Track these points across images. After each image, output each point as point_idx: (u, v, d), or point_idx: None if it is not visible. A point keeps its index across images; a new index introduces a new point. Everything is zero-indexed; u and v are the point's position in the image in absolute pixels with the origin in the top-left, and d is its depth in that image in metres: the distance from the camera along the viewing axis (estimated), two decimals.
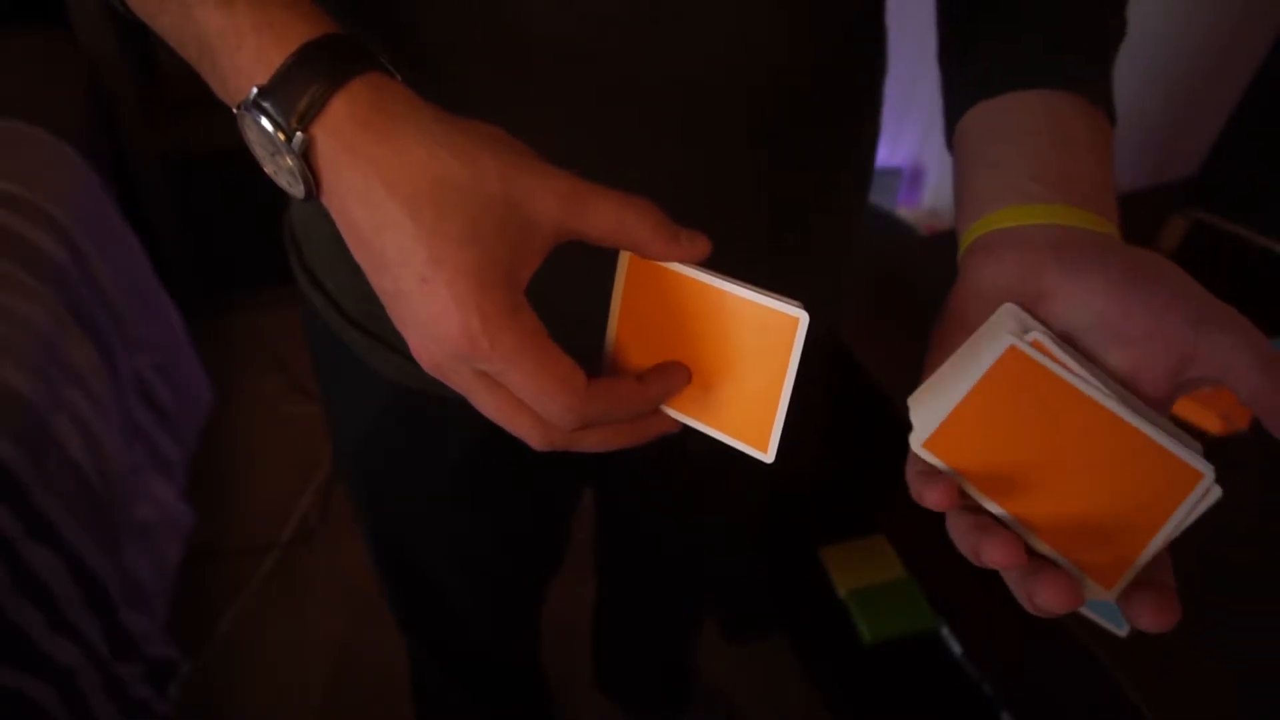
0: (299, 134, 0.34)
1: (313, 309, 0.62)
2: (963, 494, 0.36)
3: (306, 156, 0.35)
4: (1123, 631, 0.76)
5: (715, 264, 0.39)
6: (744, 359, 0.39)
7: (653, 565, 1.01)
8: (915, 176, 1.74)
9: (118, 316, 1.24)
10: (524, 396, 0.36)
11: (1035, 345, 0.36)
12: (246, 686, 1.35)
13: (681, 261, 0.38)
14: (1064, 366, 0.35)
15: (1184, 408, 0.92)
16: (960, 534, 0.36)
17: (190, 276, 1.81)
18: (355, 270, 0.57)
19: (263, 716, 1.32)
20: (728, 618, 1.42)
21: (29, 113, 1.30)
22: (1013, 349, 0.35)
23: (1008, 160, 0.42)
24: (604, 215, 0.35)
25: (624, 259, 0.39)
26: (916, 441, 0.37)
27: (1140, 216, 1.20)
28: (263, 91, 0.34)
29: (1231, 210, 1.12)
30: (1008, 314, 0.37)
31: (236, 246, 1.83)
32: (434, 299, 0.33)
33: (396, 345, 0.58)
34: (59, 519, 0.95)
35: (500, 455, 0.67)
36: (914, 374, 0.41)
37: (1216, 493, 0.34)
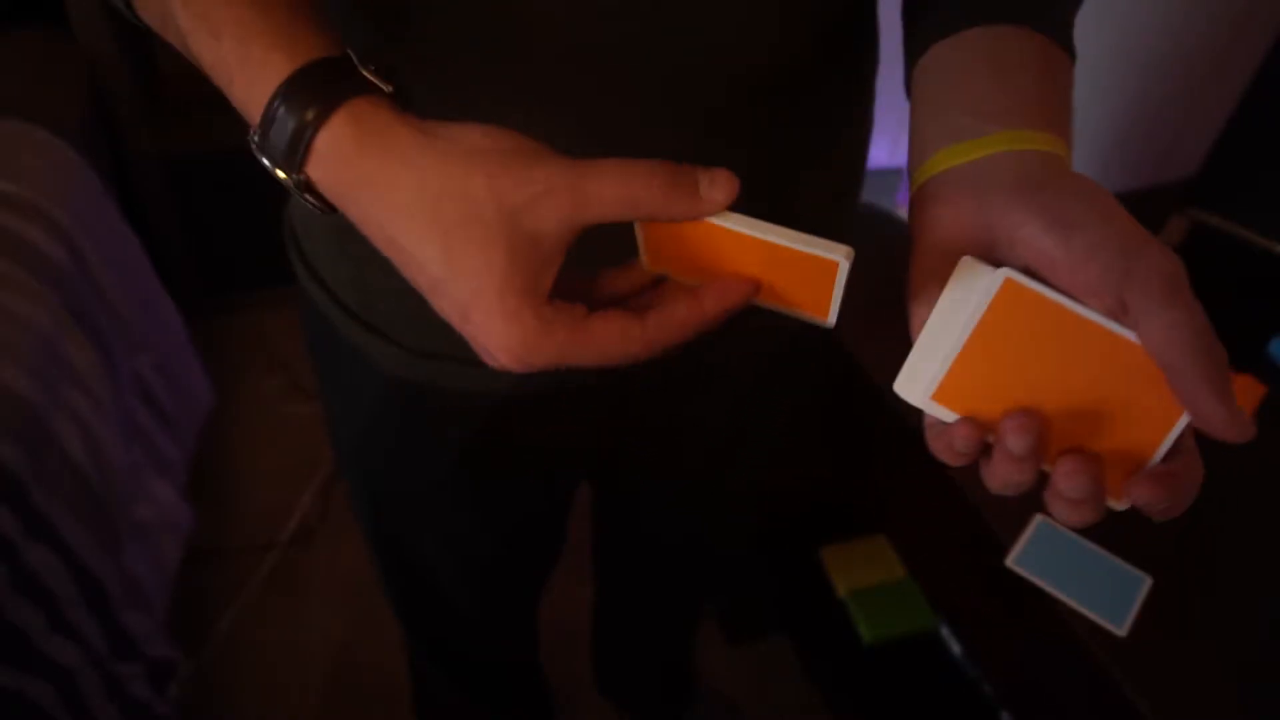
0: (295, 175, 0.35)
1: (312, 303, 0.62)
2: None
3: (304, 186, 0.36)
4: (1123, 631, 0.76)
5: None
6: (786, 298, 0.38)
7: (650, 564, 1.01)
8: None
9: (118, 317, 1.24)
10: (593, 364, 0.36)
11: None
12: (246, 686, 1.35)
13: (710, 215, 0.35)
14: (1057, 291, 0.34)
15: None
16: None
17: (190, 276, 1.81)
18: (354, 264, 0.57)
19: (263, 716, 1.32)
20: (728, 618, 1.42)
21: (29, 112, 1.30)
22: (1009, 281, 0.34)
23: (944, 99, 0.41)
24: (609, 200, 0.34)
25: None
26: (923, 396, 0.36)
27: (1140, 216, 1.19)
28: (258, 132, 0.35)
29: (1231, 210, 1.12)
30: (969, 265, 0.37)
31: (236, 246, 1.83)
32: (476, 332, 0.35)
33: (394, 337, 0.58)
34: (59, 519, 0.95)
35: (498, 447, 0.67)
36: None
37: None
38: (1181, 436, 0.34)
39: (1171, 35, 1.17)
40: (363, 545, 0.86)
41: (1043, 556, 0.82)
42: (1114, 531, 0.83)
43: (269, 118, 0.34)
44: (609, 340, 0.35)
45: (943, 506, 0.94)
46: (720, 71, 0.47)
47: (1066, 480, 0.33)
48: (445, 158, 0.34)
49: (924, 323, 0.37)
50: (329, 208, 0.37)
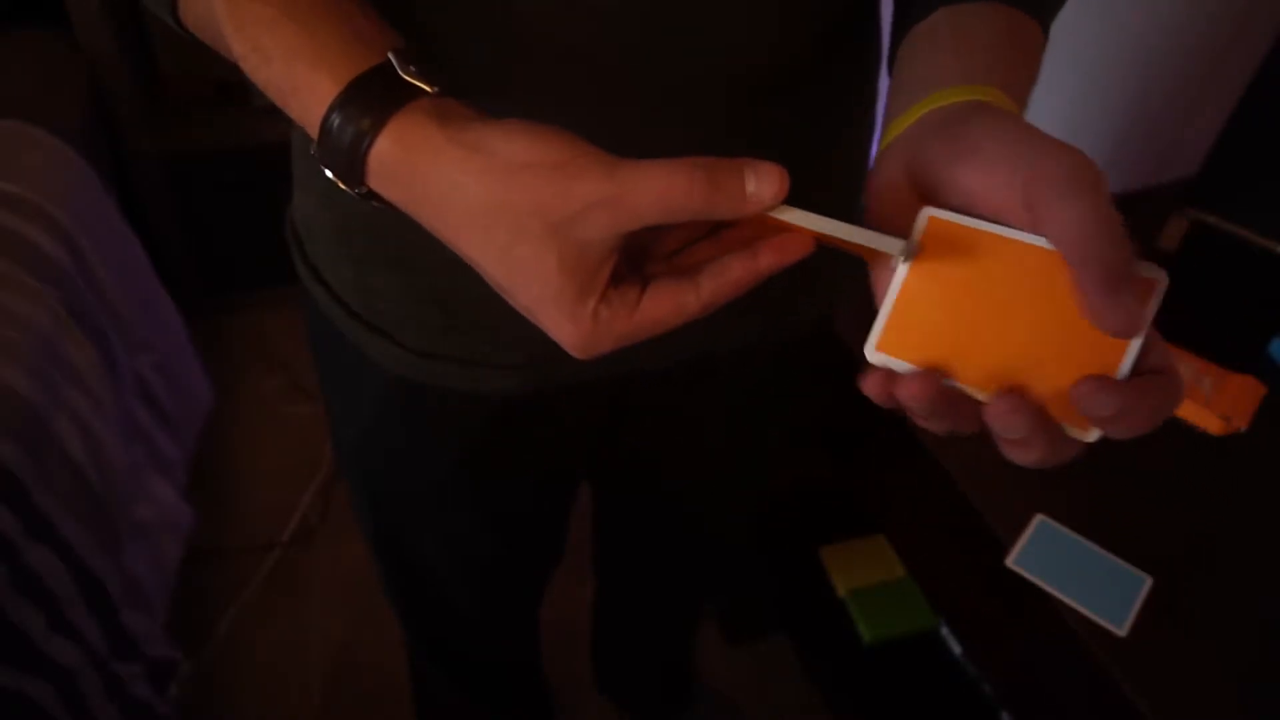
0: (359, 190, 0.37)
1: (314, 303, 0.62)
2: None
3: (366, 195, 0.38)
4: (1123, 631, 0.76)
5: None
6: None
7: (650, 564, 1.01)
8: None
9: (118, 316, 1.24)
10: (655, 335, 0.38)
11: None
12: (246, 686, 1.35)
13: (761, 211, 0.34)
14: (981, 220, 0.34)
15: (1184, 408, 0.92)
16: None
17: (190, 276, 1.81)
18: (355, 265, 0.58)
19: (263, 716, 1.32)
20: (728, 618, 1.42)
21: (29, 113, 1.30)
22: (932, 218, 0.34)
23: (902, 79, 0.42)
24: (652, 209, 0.33)
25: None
26: (870, 350, 0.36)
27: (1140, 216, 1.20)
28: (319, 151, 0.37)
29: (1231, 210, 1.12)
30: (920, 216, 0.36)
31: (236, 246, 1.83)
32: (546, 330, 0.37)
33: (395, 337, 0.58)
34: (59, 519, 0.95)
35: (499, 447, 0.67)
36: None
37: (1165, 284, 0.32)
38: (1149, 354, 0.32)
39: (1171, 35, 1.17)
40: (363, 545, 0.86)
41: (1043, 556, 0.82)
42: (1114, 531, 0.83)
43: (325, 136, 0.36)
44: (666, 314, 0.37)
45: (943, 506, 0.94)
46: (721, 72, 0.47)
47: (999, 422, 0.32)
48: (486, 174, 0.34)
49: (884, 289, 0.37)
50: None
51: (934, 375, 0.34)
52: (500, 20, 0.43)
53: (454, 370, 0.58)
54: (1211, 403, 0.92)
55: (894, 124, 0.40)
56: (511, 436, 0.66)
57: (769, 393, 0.74)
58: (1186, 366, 0.96)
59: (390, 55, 0.37)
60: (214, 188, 1.73)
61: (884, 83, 0.61)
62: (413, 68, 0.37)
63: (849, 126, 0.59)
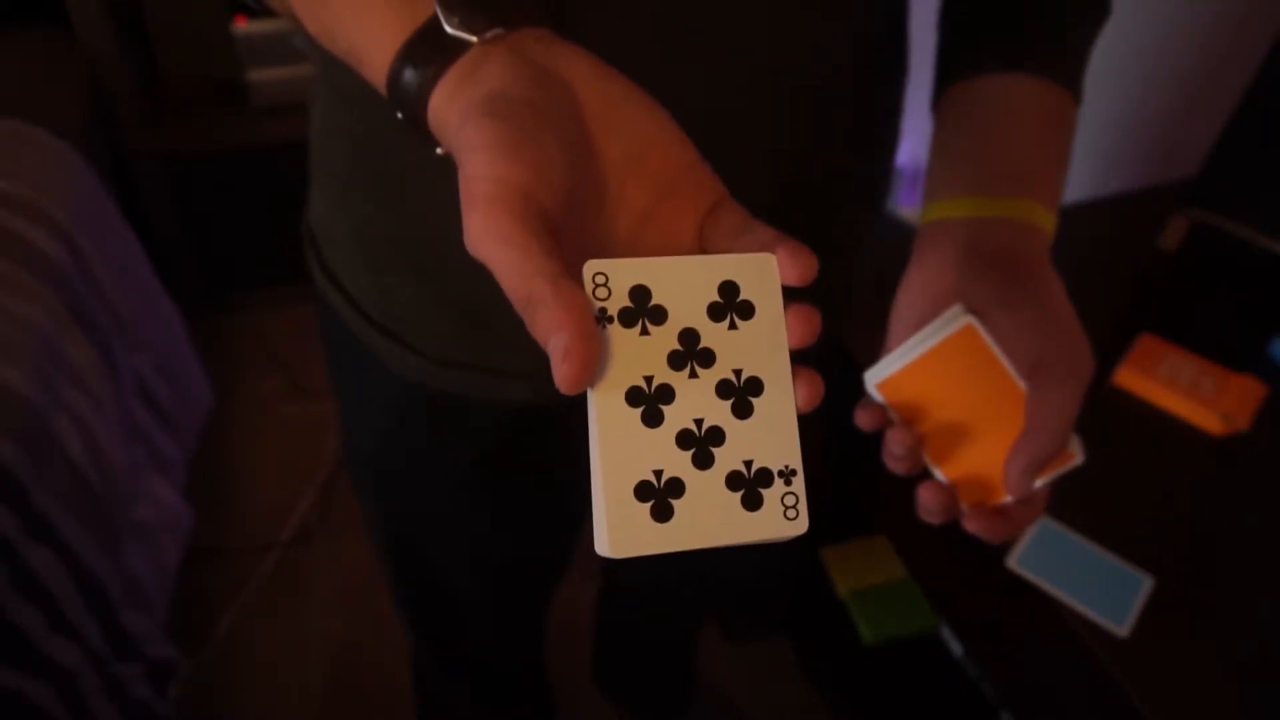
0: (488, 33, 0.33)
1: (330, 309, 0.62)
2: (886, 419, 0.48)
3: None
4: (1123, 632, 0.76)
5: None
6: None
7: (657, 571, 1.01)
8: (915, 176, 1.74)
9: (118, 316, 1.24)
10: None
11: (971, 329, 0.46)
12: (246, 686, 1.35)
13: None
14: (998, 349, 0.45)
15: (1185, 408, 0.92)
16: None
17: (190, 276, 1.81)
18: (374, 271, 0.57)
19: (263, 716, 1.32)
20: (728, 618, 1.42)
21: (29, 113, 1.30)
22: (969, 327, 0.45)
23: (956, 149, 0.50)
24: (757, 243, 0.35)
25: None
26: (870, 382, 0.48)
27: (1140, 216, 1.20)
28: (445, 7, 0.33)
29: (1231, 210, 1.12)
30: (954, 309, 0.47)
31: (236, 246, 1.83)
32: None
33: (413, 344, 0.58)
34: (58, 519, 0.95)
35: (513, 451, 0.67)
36: None
37: (1078, 461, 0.45)
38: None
39: (1172, 35, 1.17)
40: (363, 545, 0.86)
41: (1043, 556, 0.82)
42: (1114, 531, 0.83)
43: (393, 86, 0.34)
44: None
45: None
46: (751, 97, 0.48)
47: (923, 497, 0.46)
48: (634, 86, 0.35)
49: (899, 340, 0.48)
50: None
51: (916, 436, 0.46)
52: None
53: (470, 377, 0.58)
54: (1212, 403, 0.92)
55: (946, 204, 0.48)
56: (525, 442, 0.66)
57: None
58: (1188, 366, 0.96)
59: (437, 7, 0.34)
60: (214, 188, 1.73)
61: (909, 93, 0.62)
62: (455, 18, 0.33)
63: (877, 151, 0.60)
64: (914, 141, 1.65)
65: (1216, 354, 0.97)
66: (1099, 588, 0.79)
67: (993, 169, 0.48)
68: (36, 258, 1.10)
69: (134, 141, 1.61)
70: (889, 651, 1.27)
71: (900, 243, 0.50)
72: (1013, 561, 0.82)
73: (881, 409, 0.47)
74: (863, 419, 0.47)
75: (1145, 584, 0.79)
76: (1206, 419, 0.91)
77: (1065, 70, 0.49)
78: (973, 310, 0.46)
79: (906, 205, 1.25)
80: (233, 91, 1.73)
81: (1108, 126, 1.17)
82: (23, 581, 0.91)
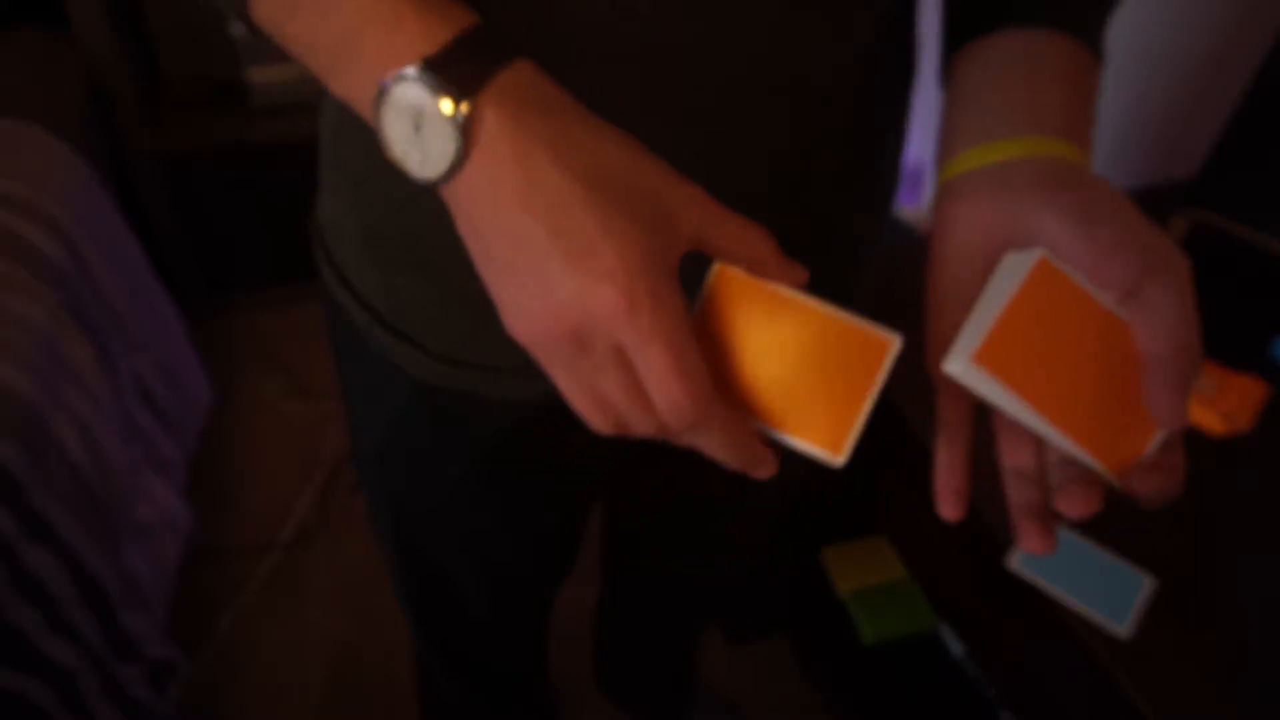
0: (465, 103, 0.34)
1: (339, 308, 0.62)
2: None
3: (465, 129, 0.35)
4: (1124, 632, 0.76)
5: None
6: (829, 375, 0.40)
7: (661, 573, 1.01)
8: (915, 176, 1.74)
9: (117, 316, 1.24)
10: (654, 379, 0.36)
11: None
12: (246, 686, 1.35)
13: (787, 283, 0.39)
14: (1080, 277, 0.38)
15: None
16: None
17: (190, 276, 1.81)
18: (384, 269, 0.57)
19: (263, 716, 1.32)
20: (728, 618, 1.42)
21: (28, 113, 1.30)
22: (1044, 260, 0.38)
23: (978, 98, 0.44)
24: (732, 230, 0.38)
25: (713, 271, 0.40)
26: (963, 360, 0.38)
27: None
28: (429, 63, 0.34)
29: (1231, 210, 1.12)
30: (1010, 256, 0.40)
31: (236, 246, 1.83)
32: (596, 265, 0.34)
33: (422, 343, 0.58)
34: (58, 519, 0.95)
35: (522, 454, 0.67)
36: (915, 373, 0.41)
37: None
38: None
39: (1172, 35, 1.17)
40: (363, 545, 0.86)
41: (1043, 556, 0.82)
42: (1114, 531, 0.83)
43: (450, 48, 0.35)
44: (692, 358, 0.37)
45: None
46: (760, 87, 0.47)
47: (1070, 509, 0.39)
48: (614, 130, 0.37)
49: (940, 332, 0.42)
50: (460, 159, 0.36)
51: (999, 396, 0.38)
52: (546, 21, 0.43)
53: (480, 378, 0.58)
54: (1214, 403, 0.92)
55: (971, 153, 0.42)
56: (533, 441, 0.66)
57: None
58: None
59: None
60: (214, 188, 1.73)
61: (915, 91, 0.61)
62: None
63: (884, 151, 0.59)
64: (913, 141, 1.65)
65: (1218, 354, 0.97)
66: (1099, 588, 0.79)
67: (1031, 109, 0.43)
68: (36, 257, 1.10)
69: (134, 141, 1.61)
70: (889, 651, 1.27)
71: (901, 243, 0.49)
72: (1013, 561, 0.81)
73: (962, 491, 0.41)
74: (947, 507, 0.41)
75: (1145, 584, 0.79)
76: (1208, 419, 0.91)
77: (1095, 32, 0.46)
78: (1016, 240, 0.40)
79: (907, 205, 1.25)
80: (233, 91, 1.72)
81: (1108, 127, 1.17)
82: (22, 581, 0.91)
